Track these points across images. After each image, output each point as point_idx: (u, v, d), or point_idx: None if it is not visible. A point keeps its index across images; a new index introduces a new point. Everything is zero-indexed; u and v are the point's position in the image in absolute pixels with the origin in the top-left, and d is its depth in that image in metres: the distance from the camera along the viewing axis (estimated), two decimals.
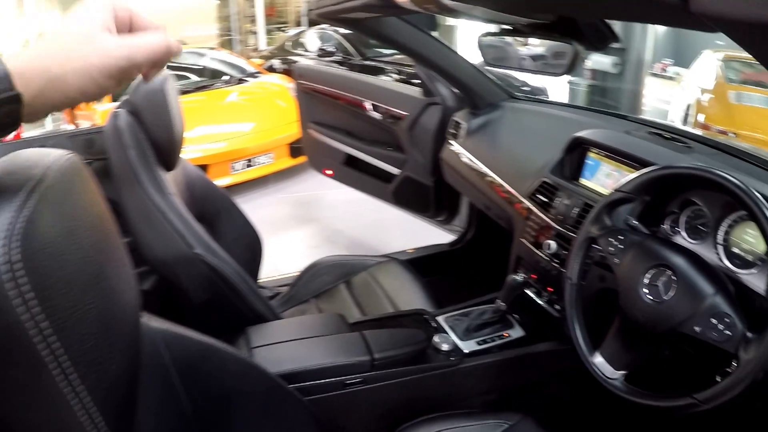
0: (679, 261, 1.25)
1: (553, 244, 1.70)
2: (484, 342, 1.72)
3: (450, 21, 9.99)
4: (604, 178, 1.72)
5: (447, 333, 1.73)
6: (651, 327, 1.24)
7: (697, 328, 1.16)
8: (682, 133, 1.77)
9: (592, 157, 1.77)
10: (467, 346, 1.69)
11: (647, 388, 1.26)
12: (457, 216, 2.83)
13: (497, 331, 1.76)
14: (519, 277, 1.72)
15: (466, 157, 2.28)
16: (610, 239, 1.36)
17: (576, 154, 1.81)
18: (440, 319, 1.80)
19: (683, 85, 9.21)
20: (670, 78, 12.19)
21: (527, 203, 1.85)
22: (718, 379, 1.19)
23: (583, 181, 1.78)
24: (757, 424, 1.49)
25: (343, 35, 7.78)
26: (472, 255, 2.77)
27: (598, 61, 7.31)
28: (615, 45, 7.28)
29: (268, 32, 13.81)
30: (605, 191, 1.63)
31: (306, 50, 8.02)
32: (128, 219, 1.62)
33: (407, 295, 2.13)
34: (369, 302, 2.17)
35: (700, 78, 8.27)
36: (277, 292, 2.44)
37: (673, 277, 1.23)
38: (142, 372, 1.01)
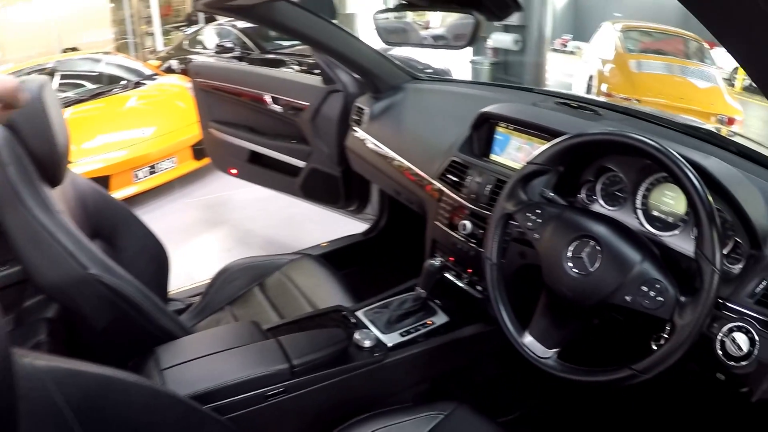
0: (601, 230, 1.19)
1: (468, 224, 1.63)
2: (408, 333, 1.63)
3: (351, 8, 9.87)
4: (515, 152, 1.66)
5: (368, 328, 1.63)
6: (580, 301, 1.18)
7: (628, 298, 1.11)
8: (590, 102, 1.74)
9: (501, 131, 1.70)
10: (390, 339, 1.60)
11: (582, 364, 1.21)
12: (369, 204, 2.74)
13: (420, 319, 1.67)
14: (436, 261, 1.63)
15: (372, 142, 2.19)
16: (527, 214, 1.29)
17: (484, 130, 1.75)
18: (360, 313, 1.70)
19: (585, 57, 9.47)
20: (571, 52, 12.53)
21: (438, 184, 1.78)
22: (654, 346, 1.15)
23: (493, 157, 1.72)
24: (691, 384, 1.46)
25: (242, 30, 7.55)
26: (387, 243, 2.68)
27: (498, 39, 7.38)
28: (515, 22, 7.38)
29: (166, 33, 13.31)
30: (517, 165, 1.57)
31: (204, 48, 7.75)
32: (13, 243, 1.44)
33: (324, 291, 2.02)
34: (285, 303, 2.05)
35: (601, 49, 8.53)
36: (189, 303, 2.27)
37: (597, 248, 1.17)
38: (27, 421, 0.86)
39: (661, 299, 1.08)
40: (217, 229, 4.21)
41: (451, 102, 2.08)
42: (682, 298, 1.07)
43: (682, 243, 1.26)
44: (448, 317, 1.70)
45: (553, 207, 1.29)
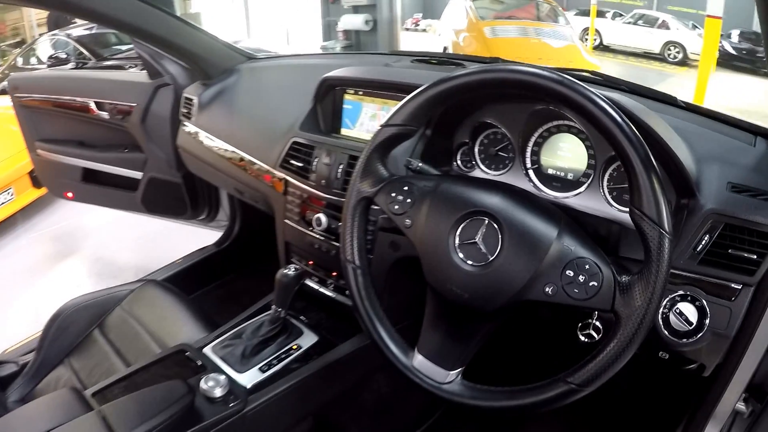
0: (496, 201, 0.87)
1: (322, 217, 1.29)
2: (269, 366, 1.28)
3: (196, 7, 9.30)
4: (369, 122, 1.37)
5: (220, 369, 1.25)
6: (482, 304, 0.85)
7: (548, 289, 0.80)
8: (452, 56, 1.49)
9: (350, 99, 1.38)
10: (249, 379, 1.24)
11: (498, 381, 0.89)
12: (221, 209, 2.32)
13: (282, 345, 1.32)
14: (290, 269, 1.27)
15: (205, 136, 1.78)
16: (391, 194, 0.94)
17: (329, 100, 1.42)
18: (208, 351, 1.33)
19: (438, 31, 9.39)
20: (424, 30, 12.49)
21: (280, 173, 1.42)
22: (582, 337, 0.92)
23: (344, 131, 1.39)
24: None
25: (77, 39, 6.86)
26: (244, 252, 2.29)
27: (348, 20, 7.13)
28: (364, 2, 7.16)
29: (3, 53, 12.18)
30: None
31: (40, 62, 7.00)
32: None
33: (171, 324, 1.62)
34: (129, 346, 1.65)
35: (454, 21, 8.46)
36: (25, 362, 1.81)
37: (495, 226, 0.84)
38: None
39: (595, 284, 0.78)
40: (66, 262, 3.67)
41: (291, 76, 1.73)
42: (623, 278, 0.77)
43: (590, 203, 0.99)
44: (317, 336, 1.35)
45: (425, 180, 0.95)
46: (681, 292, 0.90)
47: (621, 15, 12.77)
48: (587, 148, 1.03)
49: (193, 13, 9.26)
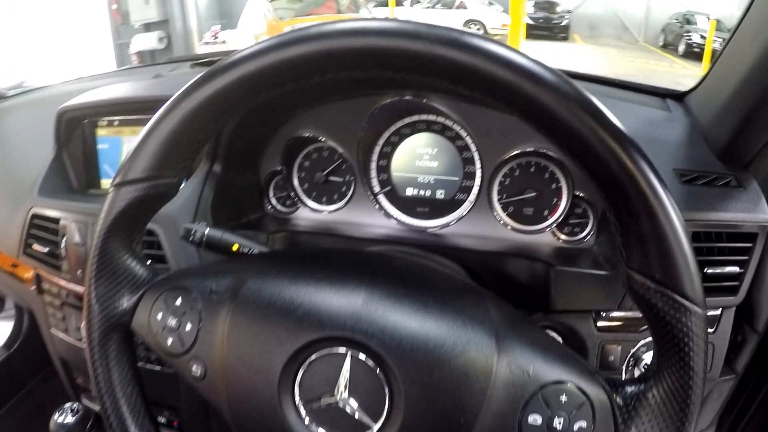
0: (357, 306, 0.40)
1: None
2: None
3: None
4: None
5: None
6: None
7: None
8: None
9: (105, 135, 0.90)
10: None
11: None
12: (8, 298, 1.70)
13: None
14: (66, 413, 0.76)
15: None
16: (156, 315, 0.45)
17: (77, 141, 0.93)
18: None
19: (237, 39, 8.89)
20: (224, 42, 11.90)
21: (27, 264, 0.90)
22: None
23: (106, 183, 0.90)
24: None
25: None
26: (44, 349, 1.60)
27: (141, 40, 6.38)
28: (155, 18, 6.44)
29: None
30: None
31: None
32: None
33: None
34: None
35: (252, 27, 8.00)
36: None
37: (362, 358, 0.39)
38: None
39: (583, 425, 0.36)
40: None
41: (38, 114, 1.18)
42: (625, 396, 0.37)
43: (480, 228, 0.61)
44: None
45: (214, 274, 0.46)
46: (646, 341, 0.55)
47: (419, 1, 12.89)
48: (460, 150, 0.65)
49: None
